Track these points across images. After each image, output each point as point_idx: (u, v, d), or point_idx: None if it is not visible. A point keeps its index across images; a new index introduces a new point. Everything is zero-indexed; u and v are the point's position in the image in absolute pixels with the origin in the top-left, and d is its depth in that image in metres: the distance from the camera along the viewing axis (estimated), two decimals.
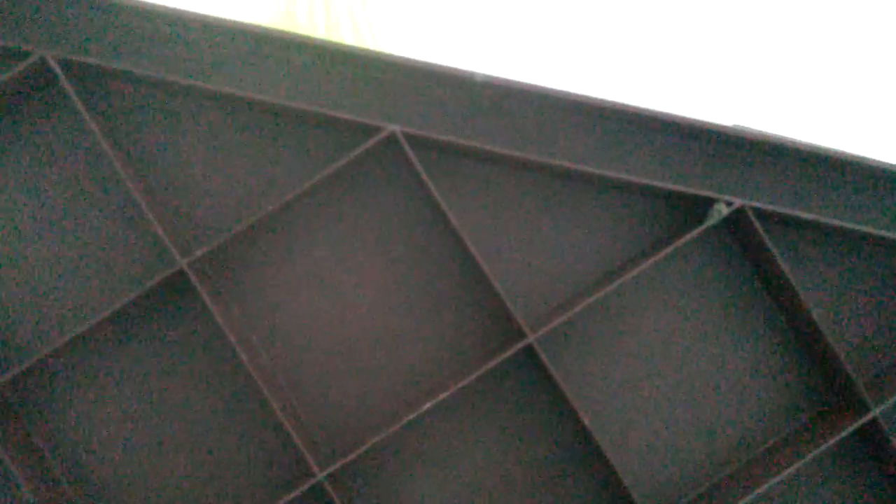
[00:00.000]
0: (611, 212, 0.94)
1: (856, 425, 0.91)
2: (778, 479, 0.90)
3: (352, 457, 0.89)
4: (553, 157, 0.90)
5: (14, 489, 0.91)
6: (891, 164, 0.91)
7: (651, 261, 0.90)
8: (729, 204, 0.90)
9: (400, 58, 0.89)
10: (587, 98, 0.89)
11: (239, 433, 0.95)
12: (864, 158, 0.90)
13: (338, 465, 0.89)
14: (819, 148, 0.90)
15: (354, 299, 0.94)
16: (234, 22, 0.88)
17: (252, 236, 0.92)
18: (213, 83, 0.88)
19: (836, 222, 0.91)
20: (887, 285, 0.96)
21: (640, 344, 0.96)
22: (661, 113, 0.89)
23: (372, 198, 0.94)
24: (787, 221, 0.92)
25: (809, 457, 0.90)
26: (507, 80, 0.89)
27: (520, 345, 0.89)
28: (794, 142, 0.90)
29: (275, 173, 0.93)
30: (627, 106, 0.89)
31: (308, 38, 0.90)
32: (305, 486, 0.88)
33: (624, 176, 0.90)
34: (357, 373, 0.95)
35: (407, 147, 0.89)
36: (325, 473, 0.88)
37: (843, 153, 0.90)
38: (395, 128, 0.88)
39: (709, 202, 0.91)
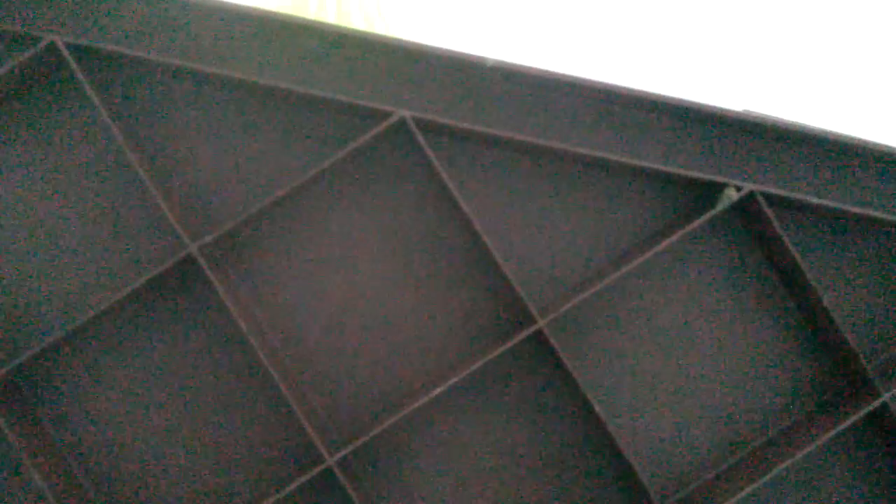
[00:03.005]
0: (621, 197, 0.94)
1: (866, 410, 0.91)
2: (788, 463, 0.90)
3: (361, 442, 0.89)
4: (563, 141, 0.89)
5: (23, 473, 0.92)
6: None
7: (661, 246, 0.90)
8: (739, 189, 0.90)
9: (410, 42, 0.89)
10: (597, 83, 0.89)
11: (248, 418, 0.95)
12: (875, 143, 0.90)
13: (347, 450, 0.89)
14: (830, 133, 0.90)
15: (364, 284, 0.94)
16: (245, 7, 0.88)
17: (262, 221, 0.92)
18: (223, 68, 0.88)
19: (847, 207, 0.91)
20: None
21: (650, 329, 0.96)
22: (672, 98, 0.89)
23: (382, 182, 0.94)
24: (797, 206, 0.92)
25: (819, 442, 0.90)
26: (517, 65, 0.89)
27: (530, 330, 0.89)
28: (804, 127, 0.90)
29: (285, 158, 0.93)
30: (637, 91, 0.89)
31: (318, 22, 0.90)
32: (315, 472, 0.88)
33: (634, 161, 0.90)
34: (366, 358, 0.95)
35: (417, 132, 0.89)
36: (334, 459, 0.88)
37: (854, 138, 0.90)
38: (406, 113, 0.88)
39: (719, 187, 0.90)
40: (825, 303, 0.91)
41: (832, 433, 0.90)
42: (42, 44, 0.87)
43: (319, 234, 0.94)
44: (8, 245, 0.93)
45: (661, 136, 0.90)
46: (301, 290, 0.94)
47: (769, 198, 0.90)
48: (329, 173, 0.90)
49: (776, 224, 0.90)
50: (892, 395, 0.91)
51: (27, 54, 0.87)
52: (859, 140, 0.90)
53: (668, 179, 0.93)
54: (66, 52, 0.87)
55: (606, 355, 0.95)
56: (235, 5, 0.88)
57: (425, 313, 0.95)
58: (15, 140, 0.92)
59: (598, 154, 0.90)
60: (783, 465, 0.90)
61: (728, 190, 0.90)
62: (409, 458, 0.96)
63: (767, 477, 0.90)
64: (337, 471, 0.89)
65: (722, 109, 0.89)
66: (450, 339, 0.95)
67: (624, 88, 0.89)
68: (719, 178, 0.90)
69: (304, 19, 0.90)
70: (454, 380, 0.89)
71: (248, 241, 0.94)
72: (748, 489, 0.90)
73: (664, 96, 0.89)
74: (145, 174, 0.87)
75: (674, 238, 0.90)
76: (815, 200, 0.91)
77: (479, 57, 0.89)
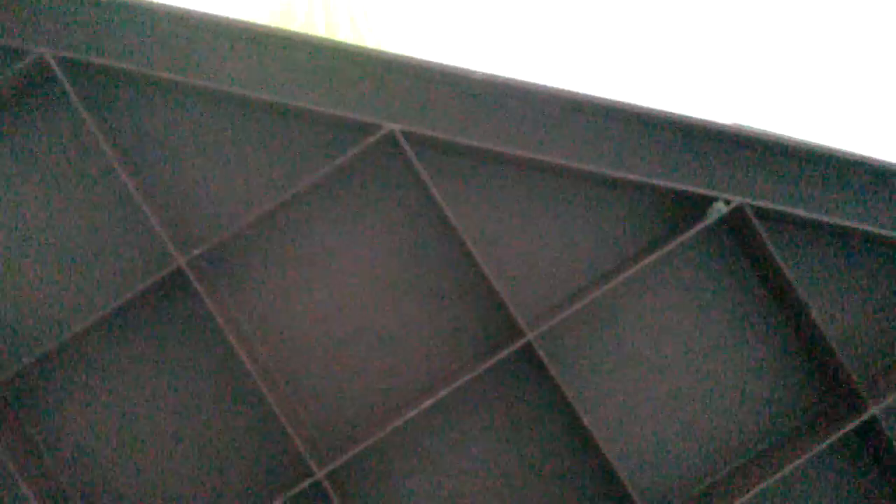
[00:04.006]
0: (609, 210, 0.94)
1: (854, 424, 0.91)
2: (777, 477, 0.90)
3: (350, 455, 0.89)
4: (551, 155, 0.90)
5: (12, 486, 0.91)
6: (891, 163, 0.91)
7: (649, 259, 0.90)
8: (728, 202, 0.90)
9: (398, 56, 0.89)
10: (585, 96, 0.89)
11: (237, 431, 0.95)
12: (864, 157, 0.90)
13: (336, 463, 0.89)
14: (818, 146, 0.90)
15: (352, 297, 0.94)
16: (233, 20, 0.88)
17: (250, 235, 0.92)
18: (210, 81, 0.88)
19: (836, 221, 0.91)
20: (886, 284, 0.96)
21: (639, 342, 0.96)
22: (660, 111, 0.89)
23: (370, 196, 0.94)
24: (786, 220, 0.92)
25: (808, 455, 0.90)
26: (505, 78, 0.89)
27: (518, 343, 0.89)
28: (793, 140, 0.90)
29: (273, 172, 0.93)
30: (626, 104, 0.89)
31: (306, 35, 0.90)
32: (304, 485, 0.88)
33: (622, 174, 0.90)
34: (355, 371, 0.95)
35: (406, 145, 0.89)
36: (323, 472, 0.88)
37: (842, 151, 0.90)
38: (394, 126, 0.88)
39: (707, 200, 0.91)
40: (814, 316, 0.91)
41: (821, 447, 0.90)
42: (31, 57, 0.87)
43: (308, 247, 0.94)
44: None
45: (650, 149, 0.90)
46: (290, 304, 0.94)
47: (758, 211, 0.90)
48: (318, 187, 0.90)
49: (765, 237, 0.90)
50: (881, 408, 0.91)
51: (16, 67, 0.87)
52: (848, 153, 0.90)
53: (656, 192, 0.93)
54: (55, 66, 0.87)
55: (595, 369, 0.95)
56: (224, 18, 0.88)
57: (414, 326, 0.95)
58: (3, 153, 0.92)
59: (587, 167, 0.90)
60: (772, 479, 0.90)
61: (717, 203, 0.90)
62: (398, 471, 0.96)
63: (755, 490, 0.90)
64: (326, 484, 0.88)
65: (711, 122, 0.89)
66: (438, 351, 0.95)
67: (612, 101, 0.89)
68: (708, 192, 0.90)
69: (292, 32, 0.90)
70: (443, 392, 0.89)
71: (236, 254, 0.93)
72: (737, 503, 0.90)
73: (653, 109, 0.89)
74: (133, 187, 0.87)
75: (663, 251, 0.90)
76: (804, 214, 0.91)
77: (467, 70, 0.89)
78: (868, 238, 0.93)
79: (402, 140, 0.89)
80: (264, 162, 0.93)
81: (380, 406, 0.95)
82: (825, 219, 0.91)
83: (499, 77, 0.89)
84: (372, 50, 0.90)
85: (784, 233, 0.93)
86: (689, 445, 0.96)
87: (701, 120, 0.89)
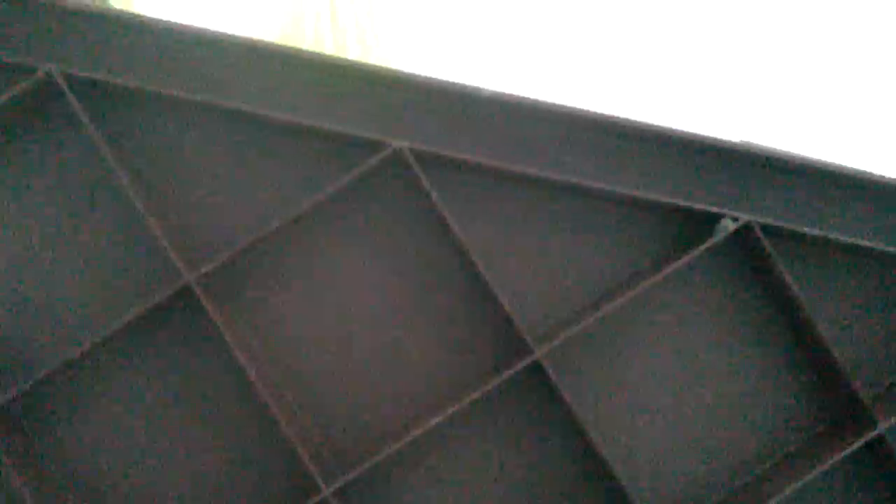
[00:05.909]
0: (617, 228, 0.94)
1: (862, 441, 0.91)
2: (784, 494, 0.90)
3: (357, 472, 0.89)
4: (560, 172, 0.90)
5: (19, 501, 0.91)
6: None
7: (658, 276, 0.90)
8: (736, 220, 0.90)
9: (407, 73, 0.89)
10: (594, 114, 0.89)
11: (244, 448, 0.95)
12: (871, 174, 0.90)
13: (343, 480, 0.89)
14: (826, 164, 0.90)
15: (361, 315, 0.94)
16: (241, 38, 0.88)
17: (259, 252, 0.92)
18: (219, 99, 0.88)
19: (844, 238, 0.91)
20: (894, 301, 0.95)
21: (647, 359, 0.95)
22: (669, 129, 0.89)
23: (379, 214, 0.94)
24: (794, 237, 0.92)
25: (816, 472, 0.90)
26: (514, 96, 0.89)
27: (527, 360, 0.89)
28: (801, 157, 0.90)
29: (281, 189, 0.93)
30: (634, 122, 0.89)
31: (314, 53, 0.90)
32: (312, 502, 0.88)
33: (631, 192, 0.90)
34: (363, 388, 0.95)
35: (414, 163, 0.89)
36: (330, 490, 0.88)
37: (850, 169, 0.90)
38: (402, 144, 0.88)
39: (716, 218, 0.91)
40: (822, 333, 0.91)
41: (829, 464, 0.90)
42: (38, 74, 0.87)
43: (316, 264, 0.94)
44: (4, 275, 0.93)
45: (659, 166, 0.90)
46: (298, 321, 0.94)
47: (766, 228, 0.90)
48: (326, 204, 0.90)
49: (773, 254, 0.90)
50: (889, 425, 0.90)
51: (24, 85, 0.87)
52: (856, 171, 0.90)
53: (664, 210, 0.93)
54: (62, 83, 0.87)
55: (603, 385, 0.95)
56: (231, 36, 0.88)
57: (422, 343, 0.94)
58: (11, 170, 0.92)
59: (595, 185, 0.90)
60: (780, 495, 0.90)
61: (725, 221, 0.90)
62: (405, 488, 0.95)
63: None
64: (333, 501, 0.88)
65: (719, 140, 0.89)
66: (447, 369, 0.95)
67: (620, 119, 0.89)
68: (716, 209, 0.90)
69: (300, 50, 0.90)
70: (452, 410, 0.89)
71: (244, 271, 0.93)
72: None
73: (662, 127, 0.89)
74: (142, 204, 0.87)
75: (671, 269, 0.90)
76: (811, 231, 0.91)
77: (475, 87, 0.89)
78: (875, 255, 0.93)
79: (409, 157, 0.89)
80: (272, 179, 0.93)
81: (387, 423, 0.95)
82: (833, 236, 0.91)
83: (506, 95, 0.89)
84: (380, 67, 0.91)
85: (792, 250, 0.93)
86: (696, 462, 0.96)
87: (709, 137, 0.89)
